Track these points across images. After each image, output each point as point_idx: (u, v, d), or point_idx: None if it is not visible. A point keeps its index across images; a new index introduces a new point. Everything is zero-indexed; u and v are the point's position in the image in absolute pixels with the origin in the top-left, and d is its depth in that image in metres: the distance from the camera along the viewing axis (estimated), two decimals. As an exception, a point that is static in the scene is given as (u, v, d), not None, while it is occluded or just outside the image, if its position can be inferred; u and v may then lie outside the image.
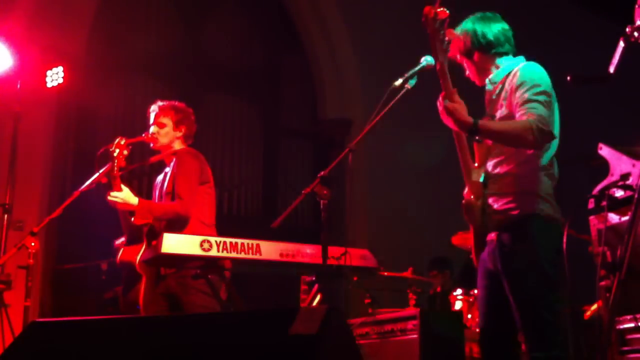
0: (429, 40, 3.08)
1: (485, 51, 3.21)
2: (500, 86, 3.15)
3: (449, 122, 2.99)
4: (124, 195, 4.03)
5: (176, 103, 4.49)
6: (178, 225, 4.04)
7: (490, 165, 3.13)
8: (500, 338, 3.10)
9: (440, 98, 3.00)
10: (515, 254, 2.96)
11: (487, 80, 3.24)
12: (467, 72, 3.31)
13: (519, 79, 3.03)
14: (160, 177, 4.46)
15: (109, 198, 4.04)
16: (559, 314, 2.94)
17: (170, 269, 4.00)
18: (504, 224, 3.02)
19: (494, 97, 3.19)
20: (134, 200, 4.04)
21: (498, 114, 3.10)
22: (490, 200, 3.08)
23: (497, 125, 3.01)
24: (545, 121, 2.90)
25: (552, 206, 3.01)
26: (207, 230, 4.13)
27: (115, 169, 4.05)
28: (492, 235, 3.09)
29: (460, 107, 2.99)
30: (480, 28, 3.23)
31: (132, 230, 4.12)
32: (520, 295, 2.93)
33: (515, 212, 2.99)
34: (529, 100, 2.95)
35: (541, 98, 2.96)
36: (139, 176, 7.53)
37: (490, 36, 3.22)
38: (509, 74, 3.14)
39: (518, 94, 3.00)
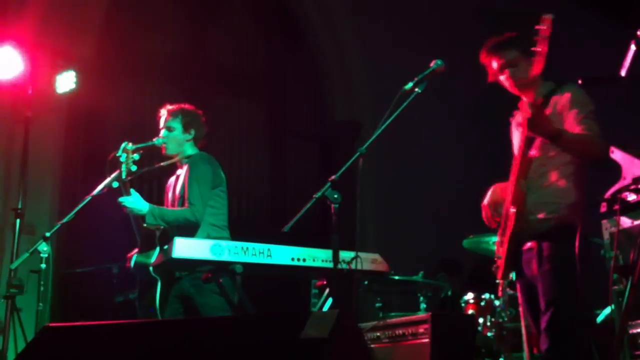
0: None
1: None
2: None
3: (535, 128, 3.06)
4: (134, 201, 4.05)
5: (185, 105, 4.50)
6: (190, 229, 4.05)
7: (533, 176, 3.21)
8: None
9: (526, 105, 3.06)
10: (552, 261, 3.07)
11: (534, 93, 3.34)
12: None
13: (571, 97, 3.21)
14: (172, 180, 4.48)
15: (120, 204, 4.06)
16: (584, 326, 3.00)
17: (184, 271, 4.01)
18: (544, 233, 3.08)
19: None
20: (143, 206, 4.05)
21: None
22: (532, 210, 3.16)
23: (574, 136, 3.13)
24: (601, 136, 3.14)
25: (586, 217, 3.08)
26: (220, 232, 4.16)
27: (124, 174, 4.06)
28: (530, 244, 3.15)
29: (546, 115, 3.12)
30: None
31: (144, 235, 4.14)
32: (549, 296, 2.99)
33: (557, 223, 3.07)
34: (586, 117, 3.16)
35: (593, 116, 3.19)
36: (149, 180, 7.54)
37: None
38: (547, 95, 3.25)
39: (574, 112, 3.17)
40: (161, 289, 4.14)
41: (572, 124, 3.16)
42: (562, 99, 3.21)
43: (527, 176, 3.21)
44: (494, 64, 3.40)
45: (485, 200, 3.47)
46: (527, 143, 3.17)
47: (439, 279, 7.28)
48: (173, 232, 4.02)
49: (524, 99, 3.31)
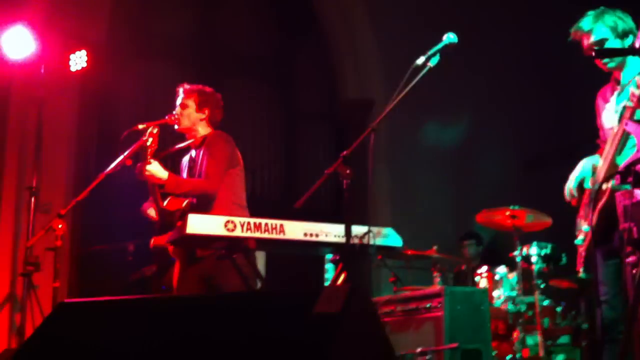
0: None
1: None
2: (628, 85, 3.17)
3: None
4: (155, 168, 4.07)
5: (204, 87, 4.52)
6: (207, 205, 4.10)
7: (630, 152, 3.16)
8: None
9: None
10: None
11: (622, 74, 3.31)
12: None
13: None
14: (185, 159, 4.49)
15: (140, 169, 4.06)
16: None
17: (206, 251, 4.03)
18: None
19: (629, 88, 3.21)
20: (164, 173, 4.08)
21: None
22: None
23: None
24: None
25: None
26: (240, 211, 4.21)
27: (148, 155, 4.07)
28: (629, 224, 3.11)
29: None
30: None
31: (164, 216, 4.17)
32: None
33: None
34: None
35: None
36: (163, 159, 7.57)
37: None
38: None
39: None
40: (180, 269, 4.18)
41: None
42: None
43: (623, 152, 3.17)
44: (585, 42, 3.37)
45: (574, 173, 3.44)
46: (628, 118, 3.12)
47: (460, 244, 7.30)
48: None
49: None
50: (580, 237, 3.39)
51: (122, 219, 6.23)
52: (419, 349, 4.41)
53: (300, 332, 2.03)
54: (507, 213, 5.57)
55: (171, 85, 4.61)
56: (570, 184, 3.44)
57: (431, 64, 3.28)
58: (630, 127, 2.85)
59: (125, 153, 4.25)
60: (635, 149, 3.16)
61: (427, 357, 4.34)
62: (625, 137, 3.17)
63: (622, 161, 3.18)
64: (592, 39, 3.33)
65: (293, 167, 8.89)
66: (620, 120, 3.19)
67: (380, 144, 8.25)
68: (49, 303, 5.17)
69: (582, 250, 3.36)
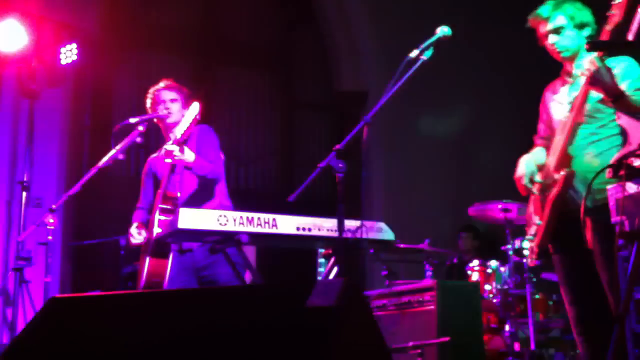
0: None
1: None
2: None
3: (599, 83, 2.98)
4: (187, 150, 4.05)
5: (182, 86, 4.54)
6: (210, 194, 4.18)
7: (582, 143, 3.22)
8: (596, 316, 3.14)
9: (596, 58, 2.97)
10: (611, 234, 3.00)
11: (576, 65, 3.35)
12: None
13: (622, 69, 3.14)
14: (157, 156, 4.48)
15: (170, 152, 4.01)
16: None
17: (195, 243, 4.04)
18: (600, 204, 3.08)
19: (580, 81, 3.24)
20: (191, 154, 4.06)
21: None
22: (580, 177, 3.17)
23: (632, 100, 3.04)
24: None
25: None
26: (229, 201, 4.25)
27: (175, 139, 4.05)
28: (581, 215, 3.14)
29: (611, 73, 3.02)
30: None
31: (167, 201, 4.17)
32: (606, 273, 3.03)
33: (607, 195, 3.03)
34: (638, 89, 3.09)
35: None
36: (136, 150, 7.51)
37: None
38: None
39: (627, 82, 3.10)
40: (172, 261, 4.18)
41: (627, 91, 3.09)
42: (616, 68, 3.13)
43: (574, 143, 3.21)
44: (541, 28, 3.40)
45: (520, 171, 3.45)
46: (579, 109, 3.14)
47: (457, 236, 7.33)
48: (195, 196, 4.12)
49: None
50: (532, 231, 3.40)
51: (114, 213, 6.22)
52: (411, 343, 4.42)
53: (293, 327, 2.03)
54: (500, 207, 5.58)
55: (164, 76, 4.60)
56: (524, 182, 3.44)
57: (425, 56, 3.28)
58: (623, 120, 2.85)
59: (118, 147, 4.24)
60: (588, 140, 3.18)
61: (419, 351, 4.34)
62: (576, 127, 3.18)
63: (574, 151, 3.20)
64: (549, 26, 3.36)
65: (289, 158, 8.89)
66: (570, 110, 3.21)
67: (375, 137, 8.24)
68: (40, 298, 5.16)
69: (534, 245, 3.38)
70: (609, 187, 2.83)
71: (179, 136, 3.99)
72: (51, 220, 4.59)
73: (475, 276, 5.75)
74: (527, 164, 3.45)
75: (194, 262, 4.14)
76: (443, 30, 3.32)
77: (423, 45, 3.29)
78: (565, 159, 3.19)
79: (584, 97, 3.13)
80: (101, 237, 6.34)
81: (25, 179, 5.92)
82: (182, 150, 3.99)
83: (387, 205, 8.46)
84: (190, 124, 3.99)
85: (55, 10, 6.80)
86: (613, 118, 3.20)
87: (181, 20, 8.28)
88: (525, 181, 3.43)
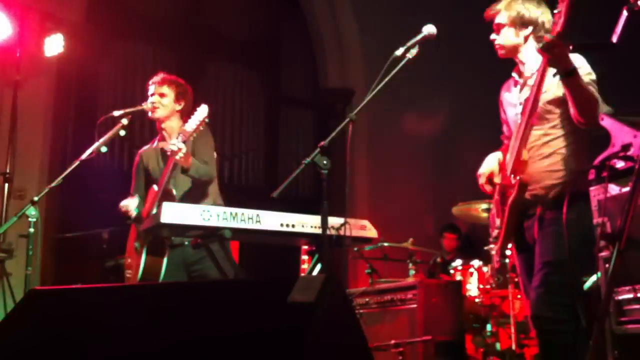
0: None
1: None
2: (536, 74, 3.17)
3: (554, 53, 2.97)
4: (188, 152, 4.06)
5: (178, 78, 4.52)
6: (204, 191, 4.20)
7: (535, 145, 3.22)
8: (554, 317, 3.15)
9: (556, 34, 2.96)
10: (554, 223, 3.07)
11: (523, 68, 3.37)
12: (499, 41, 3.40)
13: (577, 65, 3.09)
14: (150, 153, 4.47)
15: (176, 151, 3.99)
16: (576, 287, 3.03)
17: (184, 238, 4.04)
18: (551, 199, 3.10)
19: (529, 82, 3.27)
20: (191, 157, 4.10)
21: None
22: (536, 179, 3.18)
23: (584, 83, 3.06)
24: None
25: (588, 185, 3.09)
26: (221, 199, 4.27)
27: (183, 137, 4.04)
28: (533, 211, 3.17)
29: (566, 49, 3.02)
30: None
31: (165, 197, 4.16)
32: (546, 257, 3.07)
33: (564, 189, 3.07)
34: (588, 84, 3.09)
35: (595, 85, 3.14)
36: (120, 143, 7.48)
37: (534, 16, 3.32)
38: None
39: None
40: (168, 257, 4.17)
41: None
42: None
43: (528, 145, 3.21)
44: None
45: (481, 169, 3.47)
46: (530, 112, 3.15)
47: (442, 237, 7.35)
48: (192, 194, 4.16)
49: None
50: (494, 233, 3.43)
51: (97, 206, 6.18)
52: (393, 341, 4.43)
53: (274, 321, 2.02)
54: (483, 206, 5.60)
55: (150, 70, 4.60)
56: (481, 181, 3.47)
57: (410, 55, 3.29)
58: (606, 122, 2.86)
59: (101, 140, 4.22)
60: (541, 141, 3.20)
61: (401, 349, 4.36)
62: (529, 129, 3.20)
63: (529, 153, 3.22)
64: (496, 20, 3.39)
65: (273, 154, 8.87)
66: (522, 113, 3.23)
67: (360, 135, 8.25)
68: (21, 291, 5.11)
69: (497, 248, 3.40)
70: (591, 188, 2.85)
71: (184, 136, 3.98)
72: (32, 212, 4.55)
73: (457, 275, 5.77)
74: (489, 163, 3.46)
75: (184, 257, 4.15)
76: (428, 29, 3.34)
77: (408, 44, 3.31)
78: (520, 162, 3.20)
79: (535, 99, 3.15)
80: (84, 230, 6.31)
81: (7, 171, 5.87)
82: (187, 154, 4.00)
83: (370, 203, 8.47)
84: (197, 125, 3.99)
85: (39, 1, 6.74)
86: (564, 118, 3.20)
87: (168, 12, 8.23)
88: (481, 181, 3.46)
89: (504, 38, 3.38)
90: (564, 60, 2.98)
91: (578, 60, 3.15)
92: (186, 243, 4.09)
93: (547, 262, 3.11)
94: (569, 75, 2.99)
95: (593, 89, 3.12)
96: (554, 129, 3.22)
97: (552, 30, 3.02)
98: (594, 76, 3.19)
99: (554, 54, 2.95)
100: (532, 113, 3.17)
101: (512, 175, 3.22)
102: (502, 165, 3.41)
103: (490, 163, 3.47)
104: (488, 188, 3.46)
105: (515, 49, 3.37)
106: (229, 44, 8.63)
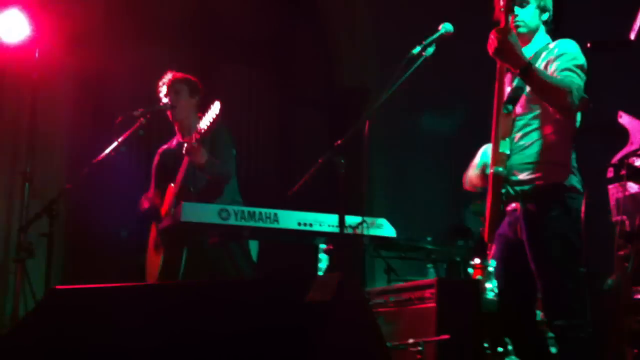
0: None
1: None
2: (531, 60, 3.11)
3: (501, 55, 2.94)
4: (202, 149, 4.08)
5: (187, 74, 4.55)
6: (219, 191, 4.19)
7: (516, 135, 3.13)
8: (521, 309, 3.13)
9: (495, 30, 2.94)
10: (541, 224, 3.01)
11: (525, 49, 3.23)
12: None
13: (558, 50, 3.07)
14: (168, 151, 4.50)
15: (190, 148, 4.04)
16: (581, 283, 2.98)
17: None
18: (529, 195, 3.05)
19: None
20: (205, 154, 4.10)
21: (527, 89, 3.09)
22: (515, 171, 3.08)
23: (544, 75, 3.00)
24: (582, 90, 2.97)
25: (576, 177, 3.04)
26: (240, 197, 4.29)
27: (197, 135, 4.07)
28: (514, 205, 3.11)
29: (519, 44, 2.95)
30: None
31: (181, 196, 4.19)
32: (544, 264, 2.97)
33: (542, 182, 3.02)
34: (568, 69, 3.01)
35: (579, 70, 3.03)
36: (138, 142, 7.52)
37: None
38: (542, 49, 3.12)
39: (557, 63, 3.04)
40: (187, 255, 4.20)
41: (553, 72, 3.05)
42: (553, 50, 3.12)
43: (510, 136, 3.14)
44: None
45: (474, 161, 3.41)
46: (510, 100, 3.10)
47: (452, 244, 7.31)
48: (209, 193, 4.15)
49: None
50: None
51: (116, 205, 6.22)
52: (411, 340, 4.42)
53: (291, 321, 2.03)
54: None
55: (166, 69, 4.61)
56: (470, 172, 3.40)
57: (426, 53, 3.28)
58: (624, 119, 2.85)
59: (120, 139, 4.25)
60: (522, 132, 3.13)
61: (419, 349, 4.34)
62: (505, 118, 3.13)
63: (511, 145, 3.13)
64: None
65: (289, 154, 8.88)
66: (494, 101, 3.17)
67: (376, 134, 8.23)
68: (42, 290, 5.16)
69: (485, 239, 3.35)
70: (610, 186, 2.83)
71: (197, 134, 4.00)
72: (53, 212, 4.60)
73: (476, 274, 5.74)
74: (483, 155, 3.38)
75: (202, 256, 4.16)
76: (445, 27, 3.32)
77: (425, 42, 3.29)
78: (500, 155, 3.12)
79: (500, 87, 3.10)
80: (103, 229, 6.35)
81: (27, 170, 5.92)
82: (198, 150, 4.01)
83: (388, 202, 8.45)
84: (212, 123, 4.01)
85: (57, 1, 6.79)
86: (546, 107, 3.11)
87: (182, 14, 8.27)
88: (471, 172, 3.40)
89: (530, 16, 3.24)
90: (514, 60, 2.93)
91: (563, 45, 3.08)
92: (204, 242, 4.11)
93: (546, 268, 3.03)
94: (523, 74, 2.94)
95: (570, 75, 3.01)
96: (535, 119, 3.12)
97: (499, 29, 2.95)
98: (579, 61, 3.08)
99: (503, 57, 2.92)
100: (501, 101, 3.12)
101: (492, 168, 3.15)
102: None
103: (484, 154, 3.37)
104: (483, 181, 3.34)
105: (534, 31, 3.26)
106: (243, 45, 8.64)
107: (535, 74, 2.94)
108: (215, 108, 4.04)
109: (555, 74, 3.01)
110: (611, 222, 3.28)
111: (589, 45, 2.88)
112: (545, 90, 2.99)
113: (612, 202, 2.78)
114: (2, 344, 2.33)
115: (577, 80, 2.99)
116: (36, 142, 6.09)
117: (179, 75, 4.48)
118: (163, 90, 4.44)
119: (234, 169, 4.35)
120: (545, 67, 3.07)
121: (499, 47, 2.91)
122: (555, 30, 3.25)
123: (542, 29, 3.26)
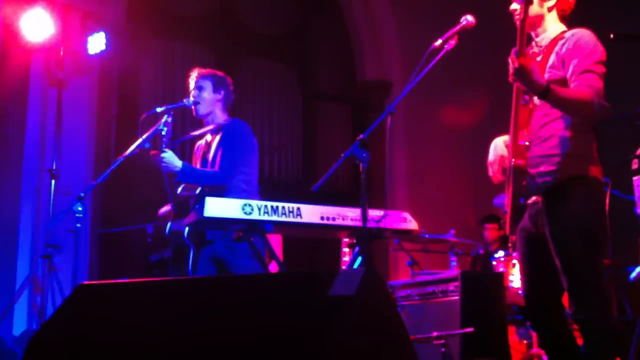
0: None
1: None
2: (545, 51, 3.07)
3: (521, 80, 2.90)
4: (169, 157, 4.10)
5: (215, 70, 4.55)
6: (219, 193, 4.13)
7: (535, 127, 3.10)
8: (547, 302, 3.11)
9: (513, 55, 2.88)
10: (562, 217, 2.96)
11: (540, 39, 3.19)
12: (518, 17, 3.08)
13: (575, 44, 3.00)
14: (201, 144, 4.52)
15: (155, 158, 4.10)
16: (603, 275, 2.95)
17: (217, 233, 4.08)
18: (549, 187, 3.01)
19: (537, 59, 3.13)
20: (178, 162, 4.11)
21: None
22: (535, 163, 3.06)
23: (565, 93, 2.94)
24: (602, 94, 2.91)
25: (597, 168, 3.00)
26: (252, 197, 4.23)
27: (164, 144, 4.11)
28: (535, 199, 3.08)
29: (536, 67, 2.90)
30: None
31: (178, 202, 4.20)
32: (567, 257, 2.94)
33: (562, 175, 2.97)
34: (587, 70, 2.94)
35: (598, 69, 2.96)
36: (178, 146, 7.60)
37: None
38: (555, 38, 3.08)
39: (575, 62, 2.97)
40: (194, 254, 4.22)
41: (572, 75, 2.99)
42: (565, 46, 3.04)
43: (529, 127, 3.09)
44: None
45: (490, 157, 3.38)
46: (526, 91, 3.05)
47: (483, 228, 7.27)
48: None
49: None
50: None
51: (141, 201, 6.29)
52: (435, 333, 4.42)
53: (314, 315, 2.04)
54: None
55: (190, 66, 4.63)
56: (493, 170, 3.32)
57: (449, 46, 3.26)
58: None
59: (144, 136, 4.28)
60: (540, 123, 3.05)
61: (443, 341, 4.35)
62: (524, 109, 3.09)
63: (529, 136, 3.07)
64: None
65: (311, 148, 8.90)
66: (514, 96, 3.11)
67: (398, 127, 8.22)
68: (69, 284, 5.23)
69: (507, 232, 3.29)
70: (634, 178, 2.81)
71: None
72: (80, 208, 4.64)
73: (500, 267, 5.73)
74: (497, 148, 3.31)
75: (214, 253, 4.18)
76: (467, 19, 3.30)
77: (447, 35, 3.27)
78: (520, 147, 3.07)
79: (521, 90, 3.05)
80: (129, 225, 6.41)
81: (54, 167, 5.99)
82: (166, 160, 4.04)
83: (411, 195, 8.45)
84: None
85: (81, 0, 6.85)
86: None
87: (205, 10, 8.31)
88: (493, 169, 3.30)
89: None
90: (532, 85, 2.87)
91: (579, 39, 3.01)
92: (216, 240, 4.12)
93: (569, 262, 2.97)
94: (542, 97, 2.91)
95: (590, 78, 2.94)
96: (554, 109, 3.05)
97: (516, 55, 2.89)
98: (596, 55, 2.99)
99: (523, 81, 2.88)
100: (519, 91, 3.08)
101: (512, 160, 3.09)
102: (508, 148, 3.23)
103: (498, 147, 3.31)
104: (499, 176, 3.27)
105: (538, 20, 3.17)
106: (265, 40, 8.68)
107: (554, 94, 2.89)
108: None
109: (573, 78, 2.96)
110: (637, 214, 3.26)
111: (612, 36, 2.84)
112: (567, 107, 2.96)
113: (637, 194, 2.75)
114: (32, 342, 2.37)
115: (597, 83, 2.94)
116: (62, 140, 6.15)
117: (204, 71, 4.48)
118: (190, 86, 4.47)
119: (230, 176, 4.26)
120: (562, 62, 3.02)
121: (515, 74, 2.88)
122: (571, 18, 3.19)
123: (553, 14, 3.19)
